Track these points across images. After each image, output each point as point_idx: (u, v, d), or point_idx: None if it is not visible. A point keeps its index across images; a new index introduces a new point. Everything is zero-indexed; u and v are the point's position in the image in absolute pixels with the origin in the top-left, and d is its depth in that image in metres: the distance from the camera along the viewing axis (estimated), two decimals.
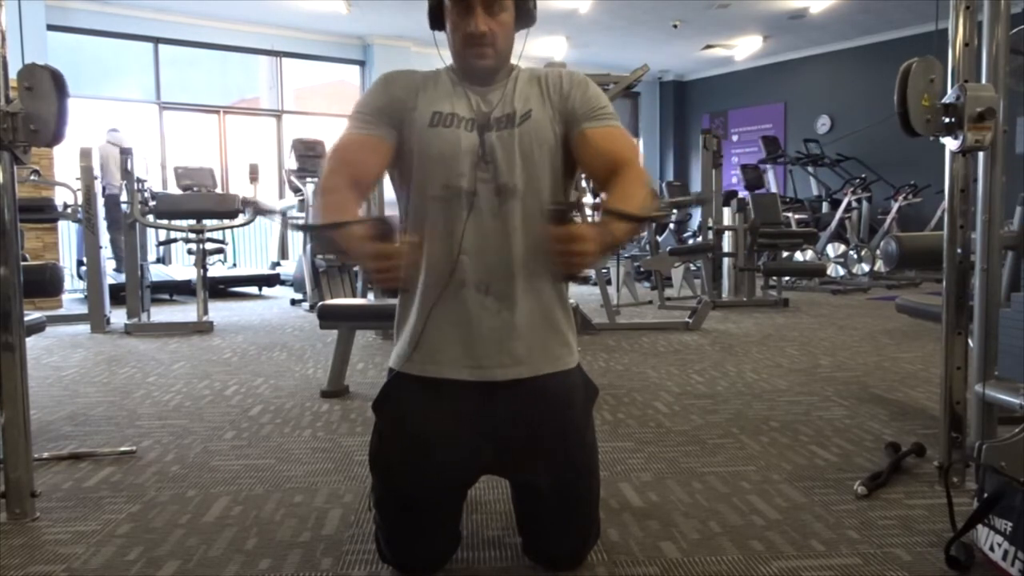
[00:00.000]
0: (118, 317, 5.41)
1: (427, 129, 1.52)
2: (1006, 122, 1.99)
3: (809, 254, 8.05)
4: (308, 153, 6.67)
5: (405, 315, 1.58)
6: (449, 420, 1.50)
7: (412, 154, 1.54)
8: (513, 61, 1.59)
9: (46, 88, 1.79)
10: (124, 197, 5.46)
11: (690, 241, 8.66)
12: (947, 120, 1.87)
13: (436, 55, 1.60)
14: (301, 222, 6.28)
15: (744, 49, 10.69)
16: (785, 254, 7.37)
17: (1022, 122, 2.25)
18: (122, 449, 2.41)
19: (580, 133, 1.54)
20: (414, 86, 1.57)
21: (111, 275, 6.31)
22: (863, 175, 8.76)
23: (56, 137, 1.82)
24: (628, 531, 1.78)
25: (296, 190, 7.01)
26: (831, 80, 10.70)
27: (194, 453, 2.41)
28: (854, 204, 8.46)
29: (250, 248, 9.50)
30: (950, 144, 1.90)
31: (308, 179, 6.56)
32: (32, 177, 5.66)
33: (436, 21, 1.55)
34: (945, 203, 2.00)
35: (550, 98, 1.55)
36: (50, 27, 7.59)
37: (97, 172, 5.42)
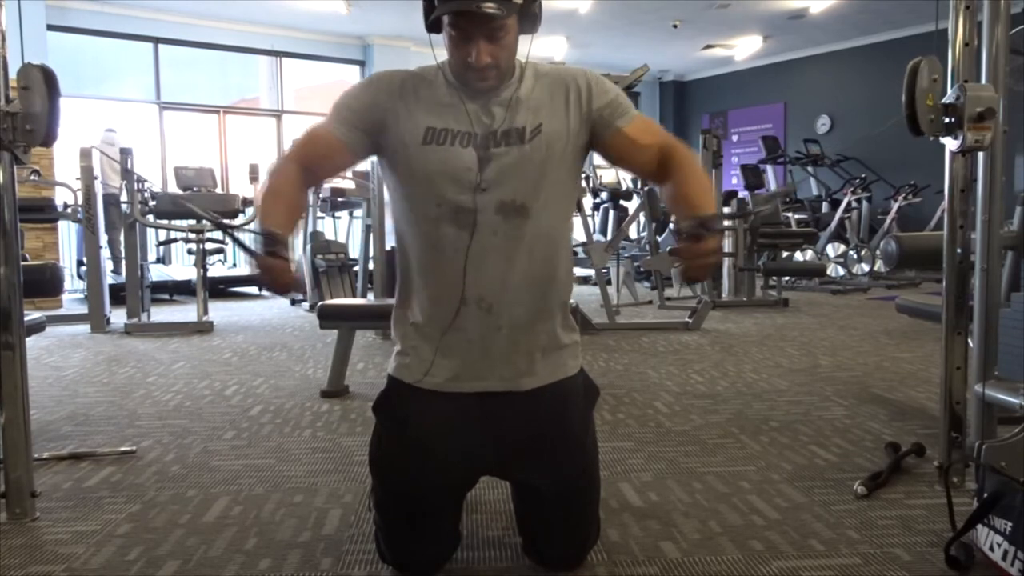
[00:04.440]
0: (118, 317, 5.41)
1: (421, 147, 1.46)
2: (1006, 122, 1.99)
3: (809, 254, 8.05)
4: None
5: (404, 326, 1.57)
6: (449, 423, 1.50)
7: (406, 171, 1.50)
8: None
9: (38, 87, 1.79)
10: (124, 197, 5.46)
11: None
12: (947, 120, 1.87)
13: (434, 56, 1.54)
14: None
15: (744, 49, 10.69)
16: (785, 254, 7.37)
17: (1022, 161, 2.26)
18: (122, 449, 2.41)
19: (616, 133, 1.52)
20: (404, 91, 1.50)
21: (110, 275, 6.31)
22: (863, 175, 8.76)
23: (49, 136, 1.82)
24: (628, 531, 1.78)
25: None
26: (831, 80, 10.70)
27: (194, 453, 2.41)
28: (854, 204, 8.46)
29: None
30: (950, 144, 1.90)
31: None
32: (32, 177, 5.66)
33: (433, 26, 1.46)
34: (945, 203, 2.00)
35: (573, 105, 1.50)
36: (50, 27, 7.59)
37: (97, 172, 5.42)
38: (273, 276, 1.38)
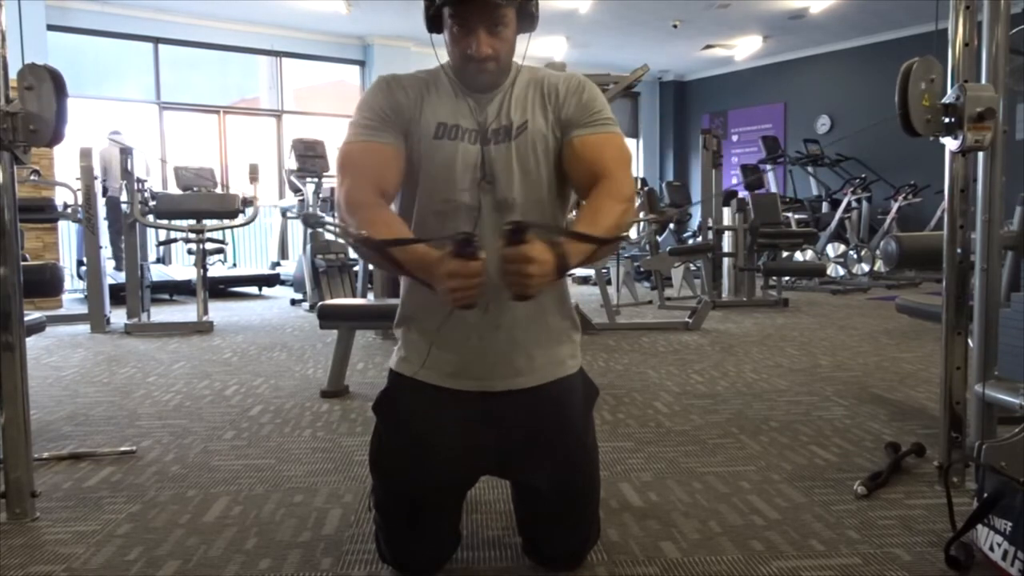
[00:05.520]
0: (118, 317, 5.41)
1: (432, 141, 1.49)
2: (1006, 122, 1.99)
3: (809, 254, 8.05)
4: (308, 153, 6.66)
5: (405, 321, 1.57)
6: (450, 423, 1.50)
7: (417, 165, 1.51)
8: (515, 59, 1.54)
9: (45, 88, 1.79)
10: (124, 197, 5.46)
11: (690, 241, 8.66)
12: (947, 120, 1.87)
13: (436, 55, 1.55)
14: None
15: (744, 49, 10.68)
16: (785, 254, 7.37)
17: (1022, 109, 2.26)
18: (122, 449, 2.41)
19: (569, 141, 1.49)
20: (417, 91, 1.52)
21: (111, 275, 6.30)
22: (863, 175, 8.76)
23: (56, 137, 1.82)
24: (628, 531, 1.78)
25: (296, 190, 7.01)
26: (831, 80, 10.70)
27: (194, 453, 2.41)
28: (854, 204, 8.47)
29: (250, 248, 9.51)
30: (950, 144, 1.90)
31: (308, 179, 6.56)
32: (32, 177, 5.66)
33: (434, 24, 1.47)
34: (945, 203, 2.00)
35: (549, 105, 1.51)
36: (50, 27, 7.59)
37: (98, 173, 5.42)
38: (466, 284, 1.23)
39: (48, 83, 1.79)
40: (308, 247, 6.19)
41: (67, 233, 7.32)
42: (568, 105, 1.51)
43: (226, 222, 5.48)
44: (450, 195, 1.47)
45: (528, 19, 1.48)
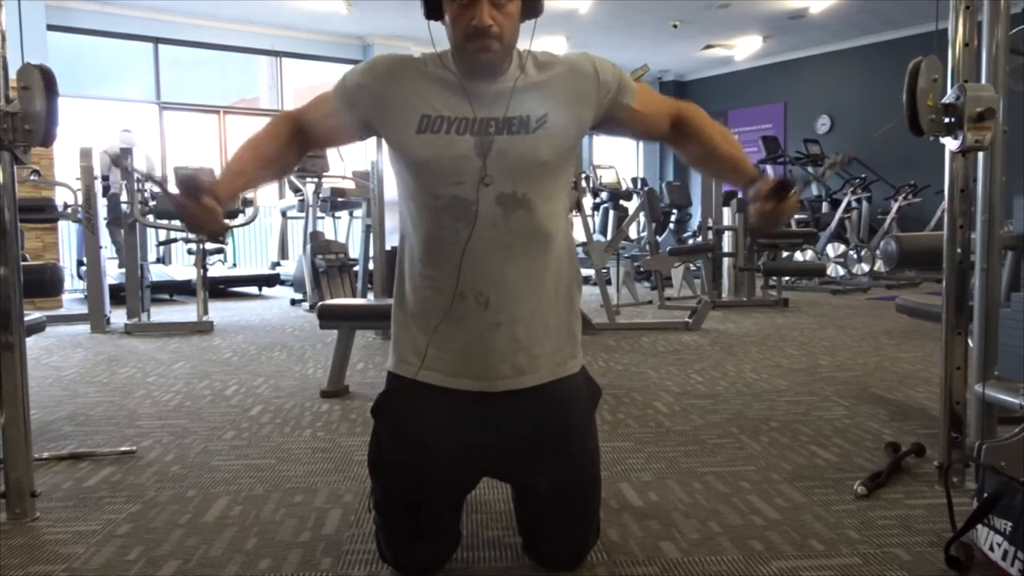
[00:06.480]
0: (118, 317, 5.41)
1: (415, 136, 1.45)
2: (1006, 122, 1.99)
3: (809, 254, 8.05)
4: (308, 153, 6.65)
5: (403, 320, 1.57)
6: (450, 425, 1.49)
7: (402, 161, 1.49)
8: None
9: (37, 87, 1.78)
10: (124, 197, 5.46)
11: (690, 241, 8.66)
12: (947, 120, 1.87)
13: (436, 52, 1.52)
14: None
15: (744, 49, 10.69)
16: (785, 254, 7.37)
17: (1020, 202, 2.28)
18: (122, 449, 2.41)
19: (627, 109, 1.56)
20: (400, 78, 1.48)
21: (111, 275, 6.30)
22: (863, 175, 8.76)
23: (47, 136, 1.81)
24: (628, 531, 1.78)
25: (296, 190, 7.01)
26: (831, 80, 10.71)
27: (194, 453, 2.41)
28: (854, 204, 8.47)
29: (250, 248, 9.52)
30: (950, 144, 1.90)
31: (308, 179, 6.57)
32: (32, 177, 5.66)
33: (432, 10, 1.43)
34: (945, 203, 2.00)
35: (588, 95, 1.50)
36: (50, 27, 7.58)
37: (98, 172, 5.42)
38: (189, 218, 1.43)
39: (39, 82, 1.78)
40: (308, 247, 6.20)
41: (67, 233, 7.32)
42: (609, 84, 1.53)
43: (226, 222, 5.47)
44: (440, 190, 1.44)
45: (533, 5, 1.44)
